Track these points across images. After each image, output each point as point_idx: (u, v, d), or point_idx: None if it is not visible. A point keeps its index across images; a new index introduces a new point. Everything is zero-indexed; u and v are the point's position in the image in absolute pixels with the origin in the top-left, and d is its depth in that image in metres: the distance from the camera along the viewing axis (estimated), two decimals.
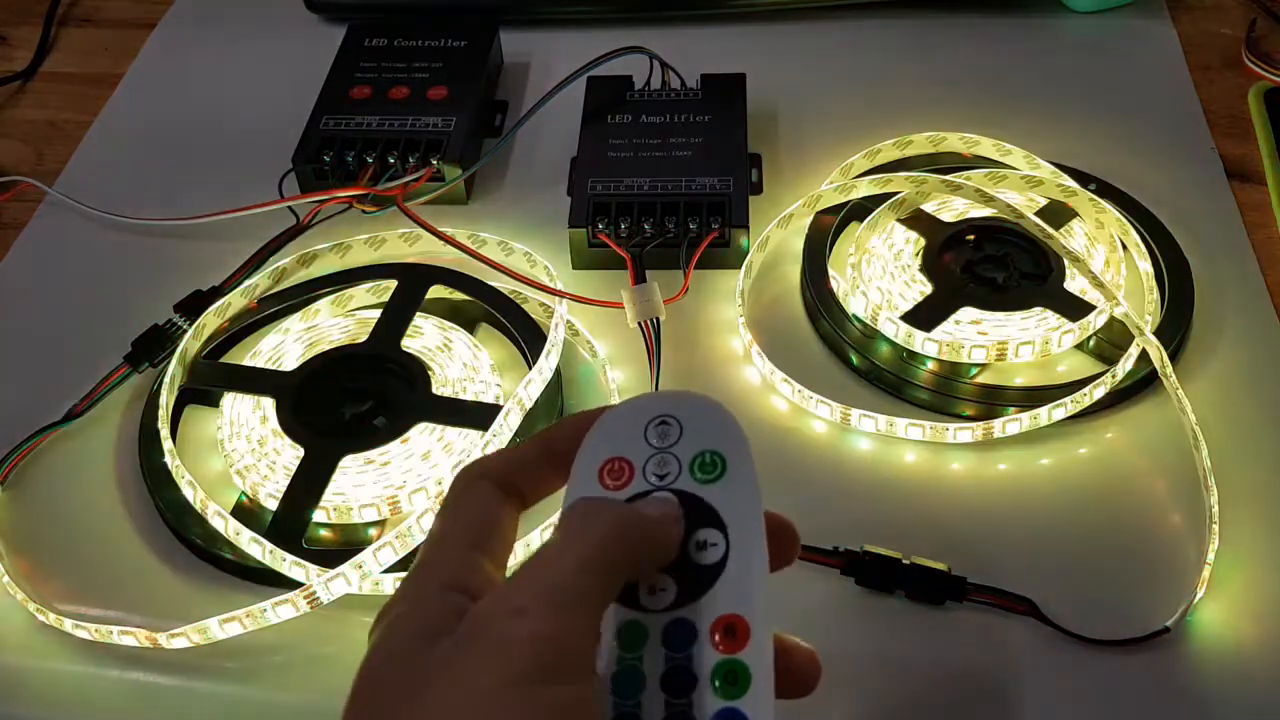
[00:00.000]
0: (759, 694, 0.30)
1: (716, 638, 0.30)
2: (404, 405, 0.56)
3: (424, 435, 0.54)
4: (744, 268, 0.61)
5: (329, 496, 0.52)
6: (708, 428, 0.34)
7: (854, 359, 0.59)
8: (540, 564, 0.30)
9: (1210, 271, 0.61)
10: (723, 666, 0.30)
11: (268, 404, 0.56)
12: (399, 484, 0.53)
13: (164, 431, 0.55)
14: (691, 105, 0.68)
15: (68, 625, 0.50)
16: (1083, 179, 0.65)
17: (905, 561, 0.50)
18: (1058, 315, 0.58)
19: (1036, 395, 0.55)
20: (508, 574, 0.33)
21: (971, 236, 0.63)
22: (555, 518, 0.36)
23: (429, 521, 0.49)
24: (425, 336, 0.59)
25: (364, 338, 0.59)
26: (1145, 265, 0.61)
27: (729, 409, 0.34)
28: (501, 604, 0.29)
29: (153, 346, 0.60)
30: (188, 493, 0.53)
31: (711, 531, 0.32)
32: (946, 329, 0.58)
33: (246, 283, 0.62)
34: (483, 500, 0.33)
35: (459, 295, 0.61)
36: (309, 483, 0.53)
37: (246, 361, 0.59)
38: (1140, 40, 0.77)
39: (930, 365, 0.57)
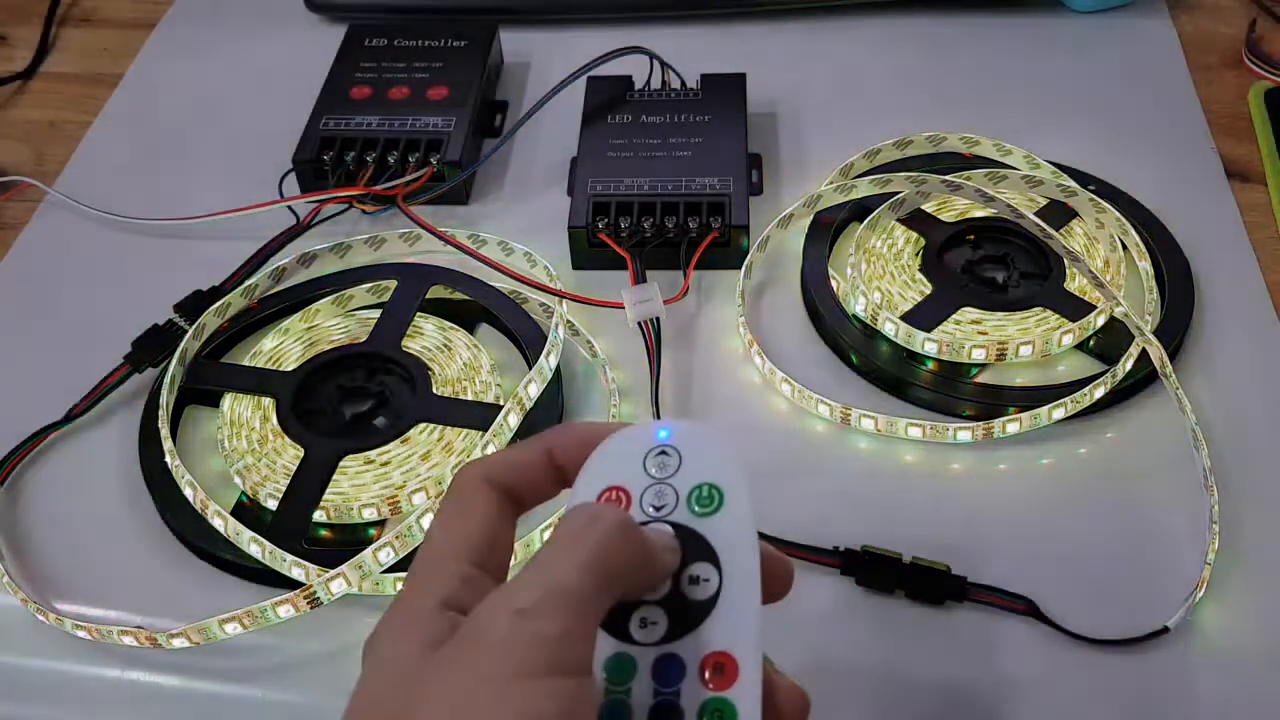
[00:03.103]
0: None
1: (706, 675, 0.30)
2: (404, 405, 0.56)
3: (424, 435, 0.54)
4: (744, 268, 0.61)
5: (329, 496, 0.52)
6: (707, 459, 0.33)
7: (854, 359, 0.59)
8: (541, 565, 0.30)
9: (1210, 271, 0.61)
10: (710, 705, 0.30)
11: (268, 404, 0.56)
12: (399, 484, 0.53)
13: (164, 431, 0.55)
14: (691, 105, 0.68)
15: (68, 625, 0.50)
16: (1083, 179, 0.65)
17: (905, 561, 0.50)
18: (1058, 315, 0.58)
19: (1036, 395, 0.55)
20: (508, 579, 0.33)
21: (971, 236, 0.63)
22: (555, 518, 0.36)
23: (429, 521, 0.49)
24: (425, 336, 0.59)
25: (364, 338, 0.59)
26: (1145, 265, 0.61)
27: (729, 440, 0.34)
28: (503, 604, 0.29)
29: (153, 346, 0.60)
30: (188, 493, 0.53)
31: (705, 566, 0.32)
32: (946, 329, 0.58)
33: (246, 283, 0.62)
34: (483, 507, 0.33)
35: (459, 295, 0.61)
36: (309, 483, 0.53)
37: (246, 361, 0.59)
38: (1140, 40, 0.77)
39: (930, 365, 0.57)
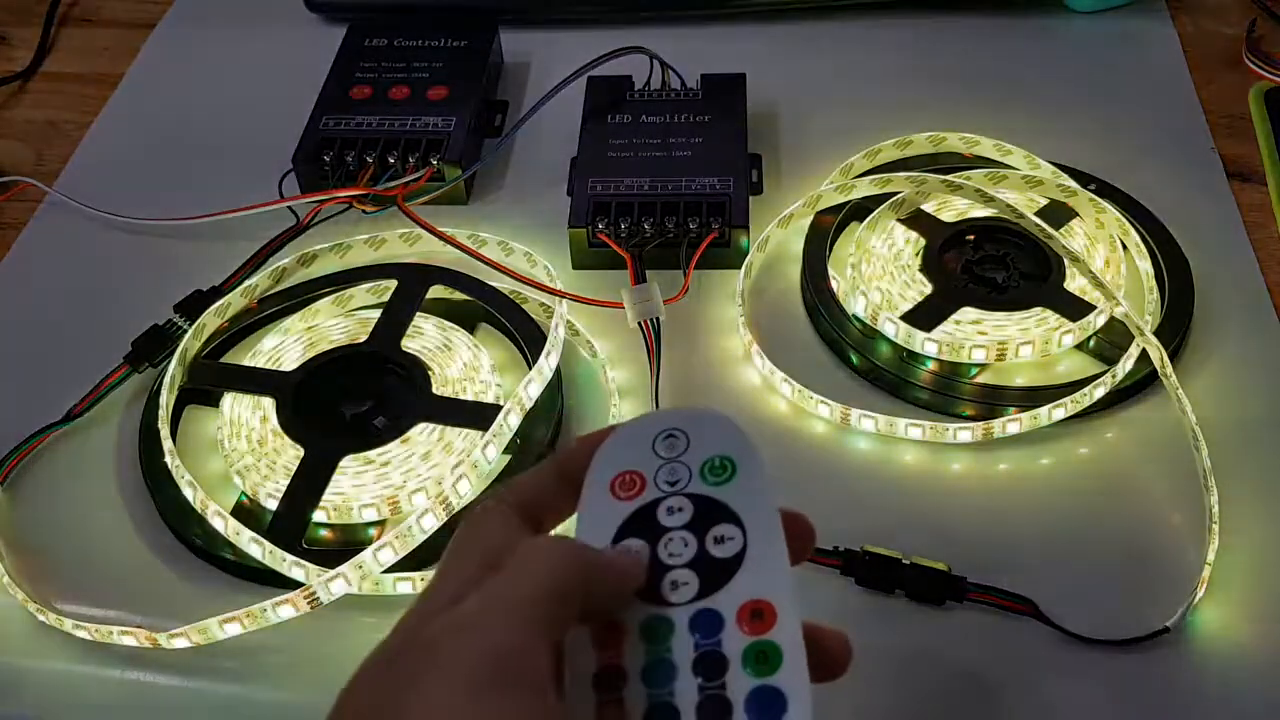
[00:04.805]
0: (792, 669, 0.30)
1: (744, 622, 0.31)
2: (404, 405, 0.56)
3: (424, 435, 0.54)
4: (744, 268, 0.61)
5: (329, 496, 0.52)
6: (715, 437, 0.34)
7: (854, 359, 0.58)
8: (491, 586, 0.31)
9: (1210, 271, 0.61)
10: (753, 648, 0.30)
11: (268, 404, 0.56)
12: (399, 484, 0.53)
13: (164, 431, 0.55)
14: (691, 105, 0.68)
15: (68, 625, 0.50)
16: (1083, 179, 0.65)
17: (905, 561, 0.50)
18: (1058, 315, 0.58)
19: (1036, 395, 0.55)
20: None
21: (971, 236, 0.63)
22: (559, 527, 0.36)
23: (429, 521, 0.50)
24: (425, 336, 0.59)
25: (364, 338, 0.59)
26: (1145, 265, 0.61)
27: (733, 418, 0.34)
28: (451, 622, 0.30)
29: (153, 346, 0.60)
30: (188, 493, 0.53)
31: (728, 527, 0.33)
32: (946, 329, 0.58)
33: (246, 283, 0.62)
34: (497, 524, 0.34)
35: (459, 295, 0.61)
36: (309, 483, 0.53)
37: (246, 361, 0.59)
38: (1140, 40, 0.77)
39: (930, 365, 0.57)
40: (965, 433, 0.54)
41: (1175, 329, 0.58)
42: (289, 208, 0.66)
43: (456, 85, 0.70)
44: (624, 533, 0.33)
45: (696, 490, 0.34)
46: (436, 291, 0.61)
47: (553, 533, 0.36)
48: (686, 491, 0.34)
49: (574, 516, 0.35)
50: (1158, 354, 0.55)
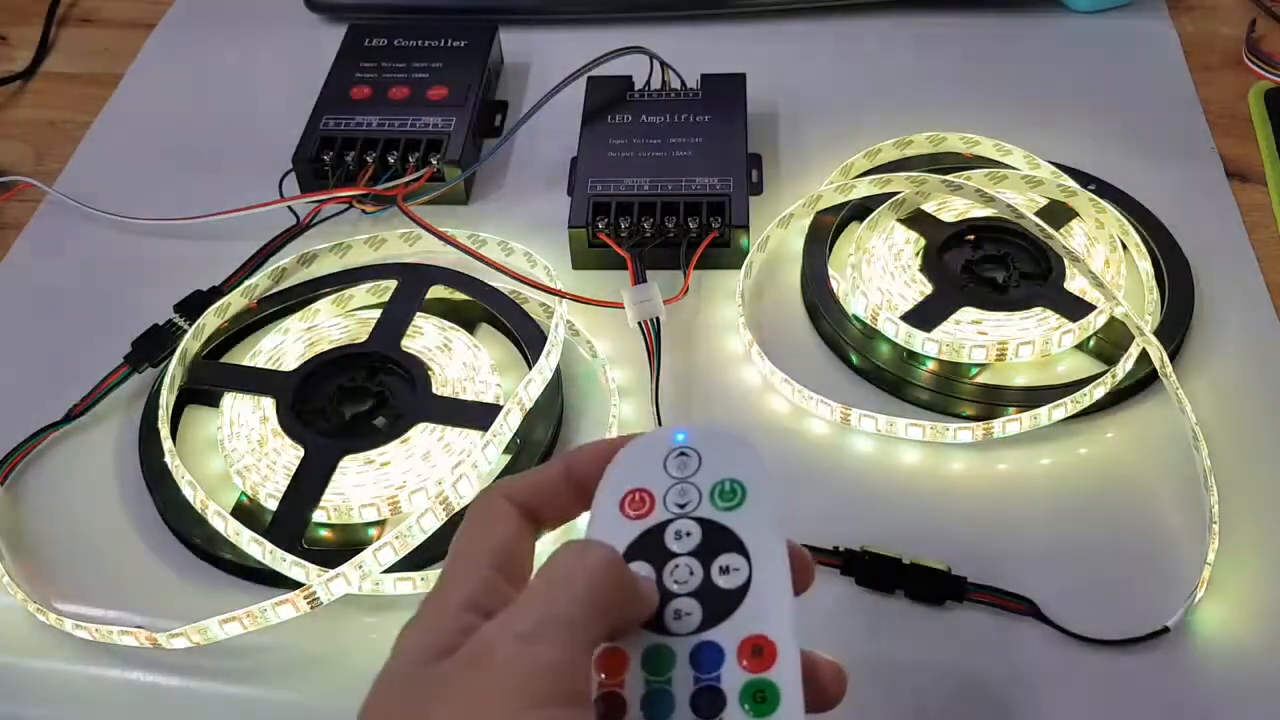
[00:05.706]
0: (789, 710, 0.30)
1: (744, 658, 0.31)
2: (404, 405, 0.56)
3: (424, 435, 0.54)
4: (744, 268, 0.61)
5: (329, 496, 0.52)
6: (726, 458, 0.34)
7: (854, 359, 0.59)
8: (537, 596, 0.30)
9: (1210, 271, 0.61)
10: (751, 686, 0.30)
11: (268, 404, 0.56)
12: (399, 484, 0.53)
13: (164, 431, 0.55)
14: (691, 105, 0.68)
15: (68, 625, 0.50)
16: (1083, 179, 0.65)
17: (905, 561, 0.50)
18: (1058, 315, 0.58)
19: (1036, 395, 0.55)
20: None
21: (971, 236, 0.63)
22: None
23: (429, 521, 0.50)
24: (425, 336, 0.59)
25: (364, 338, 0.59)
26: (1145, 265, 0.61)
27: (747, 439, 0.34)
28: (504, 629, 0.30)
29: (153, 346, 0.60)
30: (188, 493, 0.53)
31: (734, 556, 0.33)
32: (946, 329, 0.58)
33: (246, 283, 0.62)
34: (504, 522, 0.34)
35: (459, 295, 0.61)
36: (309, 483, 0.53)
37: (246, 361, 0.59)
38: (1140, 40, 0.77)
39: (930, 365, 0.57)
40: (965, 433, 0.54)
41: (1175, 329, 0.58)
42: (289, 208, 0.66)
43: (456, 85, 0.70)
44: (631, 553, 0.33)
45: (705, 515, 0.33)
46: (436, 291, 0.61)
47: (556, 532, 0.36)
48: (695, 515, 0.33)
49: (579, 524, 0.35)
50: (1158, 354, 0.55)
